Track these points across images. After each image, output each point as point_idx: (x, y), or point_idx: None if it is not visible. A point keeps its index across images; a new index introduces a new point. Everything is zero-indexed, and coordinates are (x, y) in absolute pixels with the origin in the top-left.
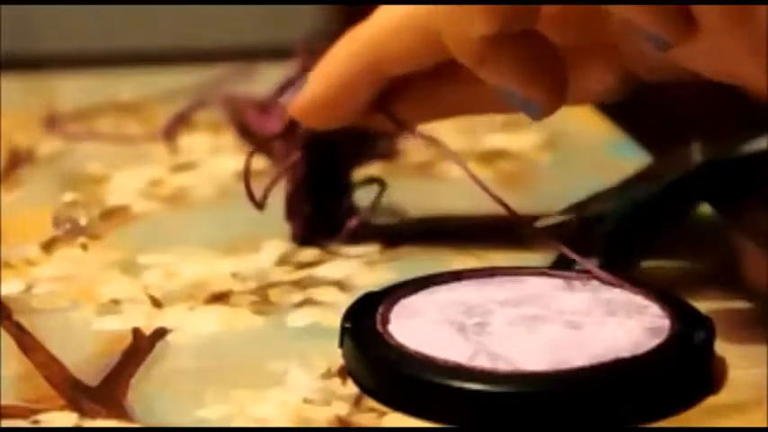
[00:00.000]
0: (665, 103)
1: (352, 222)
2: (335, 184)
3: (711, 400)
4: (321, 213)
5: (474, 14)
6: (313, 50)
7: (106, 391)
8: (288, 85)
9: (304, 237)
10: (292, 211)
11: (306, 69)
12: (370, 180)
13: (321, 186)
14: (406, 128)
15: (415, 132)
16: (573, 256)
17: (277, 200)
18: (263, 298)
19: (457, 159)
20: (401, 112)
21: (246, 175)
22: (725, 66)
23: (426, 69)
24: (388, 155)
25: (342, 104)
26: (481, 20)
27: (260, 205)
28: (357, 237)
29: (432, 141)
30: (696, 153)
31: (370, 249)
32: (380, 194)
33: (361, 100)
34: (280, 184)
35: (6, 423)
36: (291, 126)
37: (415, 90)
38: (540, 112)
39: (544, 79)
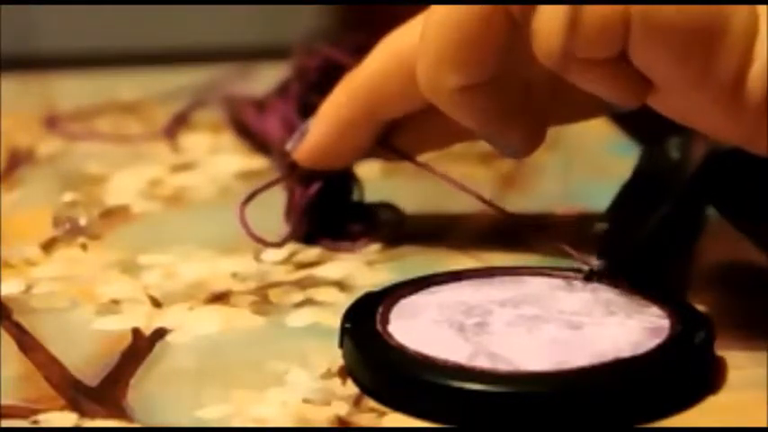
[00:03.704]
0: None
1: (361, 243)
2: (346, 196)
3: (711, 400)
4: (328, 223)
5: (444, 67)
6: (311, 50)
7: (106, 391)
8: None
9: (305, 238)
10: (298, 221)
11: (303, 69)
12: (386, 206)
13: (332, 202)
14: (408, 159)
15: (418, 163)
16: (573, 253)
17: (277, 199)
18: (263, 298)
19: (464, 187)
20: (401, 144)
21: (245, 224)
22: (689, 117)
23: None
24: None
25: (342, 149)
26: (451, 72)
27: (281, 243)
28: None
29: (435, 171)
30: (673, 150)
31: (371, 249)
32: (398, 224)
33: (361, 142)
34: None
35: (6, 423)
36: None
37: (413, 122)
38: (517, 153)
39: (518, 123)
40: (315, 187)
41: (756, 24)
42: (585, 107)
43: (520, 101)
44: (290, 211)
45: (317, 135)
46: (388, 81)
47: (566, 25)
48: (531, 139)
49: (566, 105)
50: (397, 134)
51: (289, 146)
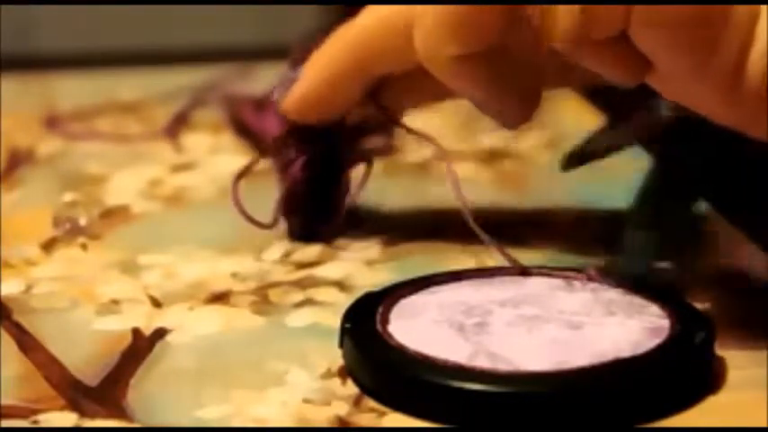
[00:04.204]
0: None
1: (346, 202)
2: (334, 181)
3: (711, 400)
4: (320, 210)
5: (443, 36)
6: (310, 50)
7: (106, 391)
8: (281, 82)
9: (302, 234)
10: (290, 209)
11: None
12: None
13: (320, 184)
14: (393, 118)
15: (402, 124)
16: (504, 253)
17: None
18: (263, 298)
19: (444, 155)
20: (389, 99)
21: (238, 202)
22: (689, 99)
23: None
24: (386, 152)
25: (330, 101)
26: (450, 41)
27: (270, 225)
28: (352, 224)
29: (420, 135)
30: (664, 108)
31: (371, 249)
32: (368, 172)
33: (350, 96)
34: (275, 181)
35: (6, 423)
36: (289, 130)
37: (403, 78)
38: (512, 122)
39: (514, 92)
40: (301, 160)
41: (758, 10)
42: (583, 75)
43: (516, 71)
44: (287, 206)
45: (306, 86)
46: (381, 36)
47: (576, 8)
48: (524, 111)
49: (563, 74)
50: (386, 89)
51: (275, 94)
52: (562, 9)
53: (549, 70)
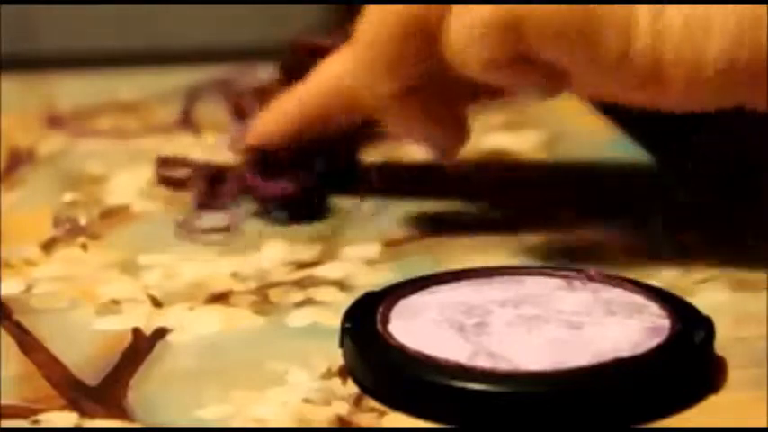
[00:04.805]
0: None
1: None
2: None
3: (711, 400)
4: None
5: (377, 73)
6: (304, 41)
7: (106, 391)
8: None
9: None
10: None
11: (298, 65)
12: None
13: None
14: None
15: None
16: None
17: None
18: (263, 298)
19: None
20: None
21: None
22: (602, 94)
23: None
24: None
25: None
26: (384, 78)
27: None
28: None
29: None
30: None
31: (371, 249)
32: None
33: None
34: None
35: (6, 423)
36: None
37: None
38: (444, 155)
39: (444, 127)
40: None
41: (630, 10)
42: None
43: (448, 106)
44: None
45: (259, 135)
46: (325, 106)
47: (476, 37)
48: (454, 144)
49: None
50: None
51: (229, 145)
52: (465, 40)
53: (480, 90)
